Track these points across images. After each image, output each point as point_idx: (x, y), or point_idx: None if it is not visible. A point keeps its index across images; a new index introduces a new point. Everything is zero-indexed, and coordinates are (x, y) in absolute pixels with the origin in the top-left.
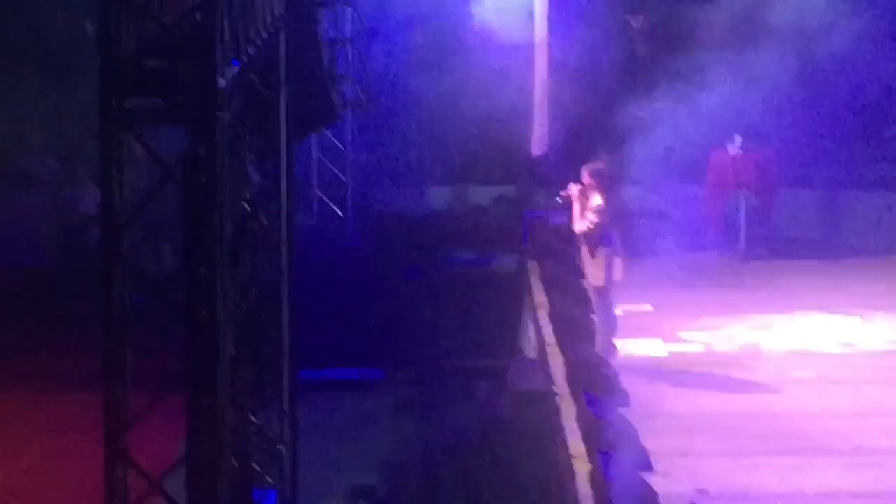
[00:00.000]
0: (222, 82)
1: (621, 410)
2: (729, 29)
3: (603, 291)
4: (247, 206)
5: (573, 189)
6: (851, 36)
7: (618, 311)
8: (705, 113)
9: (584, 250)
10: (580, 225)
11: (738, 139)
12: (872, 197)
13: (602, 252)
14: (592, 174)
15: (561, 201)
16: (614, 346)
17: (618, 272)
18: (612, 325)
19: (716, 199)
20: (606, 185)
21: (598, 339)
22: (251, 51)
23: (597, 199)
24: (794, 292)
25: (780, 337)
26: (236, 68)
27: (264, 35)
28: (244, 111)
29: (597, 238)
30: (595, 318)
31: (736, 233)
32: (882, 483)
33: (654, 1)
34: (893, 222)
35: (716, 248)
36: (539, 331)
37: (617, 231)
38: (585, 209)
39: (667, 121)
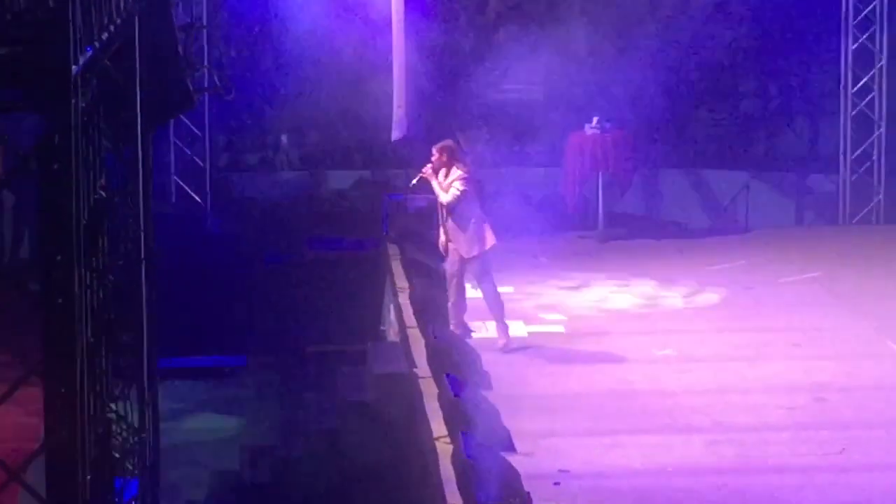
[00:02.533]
0: (76, 69)
1: (483, 392)
2: (585, 11)
3: (480, 260)
4: (103, 193)
5: (426, 169)
6: (704, 16)
7: (478, 293)
8: (563, 94)
9: (450, 223)
10: (445, 197)
11: (594, 120)
12: (730, 176)
13: (471, 221)
14: (441, 150)
15: (415, 183)
16: (468, 326)
17: (490, 237)
18: (497, 300)
19: (574, 180)
20: (460, 157)
21: (493, 316)
22: (105, 37)
23: (457, 171)
24: (651, 271)
25: (640, 317)
26: (90, 54)
27: (118, 21)
28: (99, 98)
29: (463, 208)
30: (454, 294)
31: (594, 213)
32: (742, 459)
33: None
34: (750, 201)
35: (574, 228)
36: (400, 314)
37: (476, 200)
38: (446, 183)
39: (525, 103)
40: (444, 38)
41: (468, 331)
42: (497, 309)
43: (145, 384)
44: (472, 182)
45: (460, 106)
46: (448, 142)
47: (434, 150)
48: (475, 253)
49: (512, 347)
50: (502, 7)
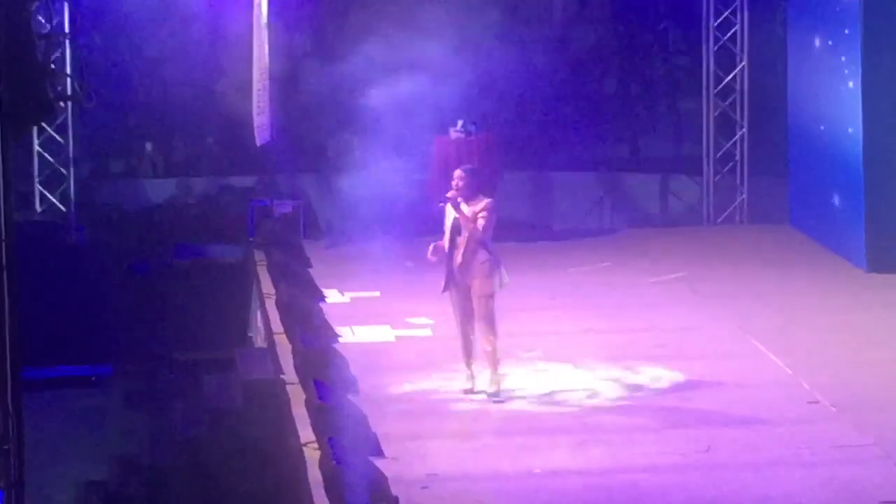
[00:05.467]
0: None
1: (350, 396)
2: (449, 12)
3: (491, 299)
4: None
5: (453, 194)
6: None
7: (345, 298)
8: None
9: (468, 254)
10: (470, 227)
11: (459, 123)
12: (595, 177)
13: (486, 255)
14: (470, 174)
15: (441, 205)
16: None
17: (506, 276)
18: (496, 342)
19: (440, 184)
20: (484, 186)
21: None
22: None
23: (483, 200)
24: (516, 274)
25: (506, 319)
26: None
27: None
28: None
29: (487, 241)
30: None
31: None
32: (609, 460)
33: None
34: (615, 202)
35: (440, 232)
36: (267, 320)
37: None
38: (475, 212)
39: (395, 106)
40: (307, 43)
41: (472, 372)
42: (495, 353)
43: (8, 395)
44: (496, 214)
45: (327, 110)
46: (474, 166)
47: (461, 173)
48: (490, 291)
49: (499, 399)
50: (365, 12)
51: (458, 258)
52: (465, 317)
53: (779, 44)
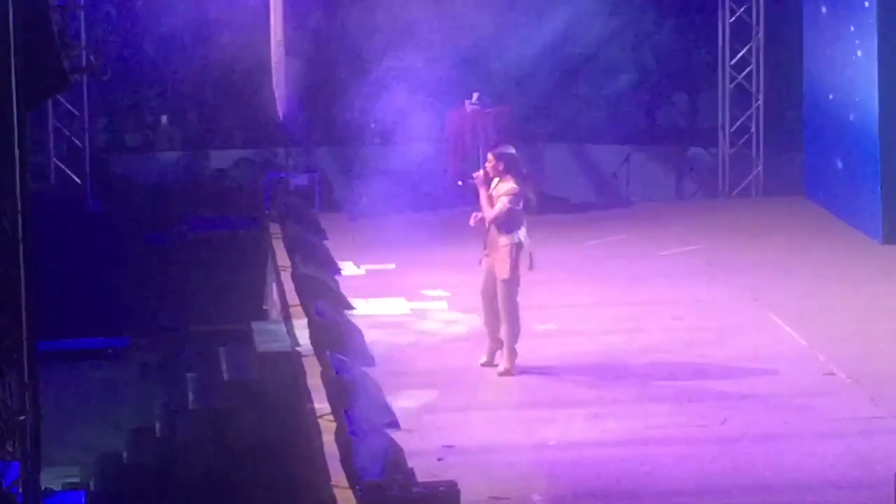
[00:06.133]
0: None
1: (365, 369)
2: None
3: (510, 284)
4: None
5: (478, 175)
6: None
7: (361, 270)
8: (442, 71)
9: (491, 237)
10: (490, 212)
11: (475, 96)
12: (611, 150)
13: (508, 239)
14: (499, 157)
15: (461, 184)
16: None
17: (524, 264)
18: (513, 327)
19: (454, 157)
20: (517, 167)
21: (505, 341)
22: None
23: (509, 184)
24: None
25: (521, 291)
26: None
27: None
28: None
29: (507, 226)
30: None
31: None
32: (623, 431)
33: None
34: (631, 175)
35: (455, 205)
36: (282, 293)
37: (524, 219)
38: (492, 196)
39: (403, 80)
40: (325, 17)
41: (500, 345)
42: (511, 335)
43: (25, 367)
44: (523, 198)
45: (346, 84)
46: (508, 148)
47: (489, 156)
48: (505, 276)
49: (511, 375)
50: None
51: (485, 237)
52: (487, 293)
53: (794, 15)
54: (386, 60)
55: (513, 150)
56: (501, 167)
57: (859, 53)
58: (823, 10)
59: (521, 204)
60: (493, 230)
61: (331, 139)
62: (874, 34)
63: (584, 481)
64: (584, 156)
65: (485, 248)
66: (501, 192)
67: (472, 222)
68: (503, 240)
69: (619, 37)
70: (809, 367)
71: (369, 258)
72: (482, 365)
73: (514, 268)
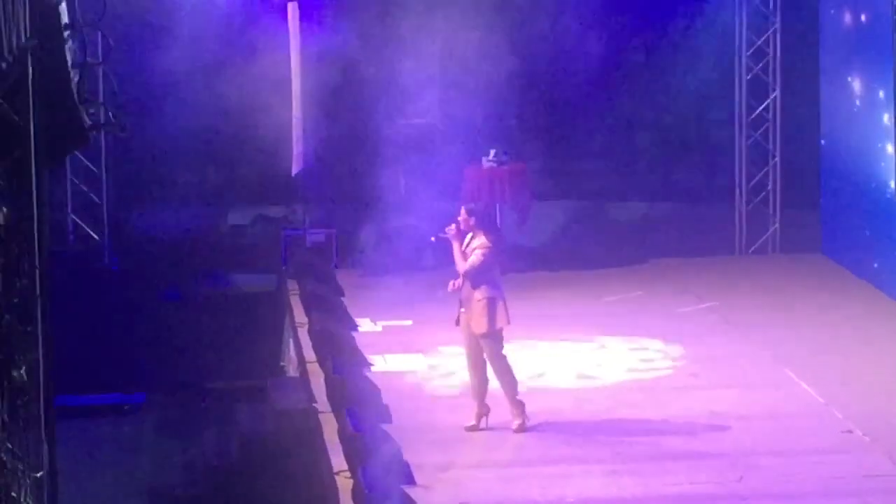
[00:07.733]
0: None
1: (383, 425)
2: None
3: (490, 338)
4: None
5: (450, 229)
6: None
7: (377, 327)
8: (463, 128)
9: (465, 293)
10: (462, 265)
11: (491, 152)
12: (627, 207)
13: (483, 293)
14: (470, 212)
15: (434, 240)
16: (487, 406)
17: (502, 317)
18: (508, 378)
19: None
20: (489, 223)
21: (506, 395)
22: None
23: (481, 239)
24: (549, 304)
25: (537, 347)
26: None
27: (10, 58)
28: None
29: (480, 280)
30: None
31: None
32: (640, 488)
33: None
34: (647, 232)
35: None
36: (299, 349)
37: (498, 273)
38: (465, 250)
39: (425, 137)
40: (343, 73)
41: (487, 411)
42: (509, 388)
43: (42, 423)
44: (496, 254)
45: (362, 140)
46: (479, 204)
47: (462, 211)
48: (483, 330)
49: (528, 426)
50: (399, 39)
51: (462, 294)
52: (471, 352)
53: (812, 73)
54: (404, 118)
55: (481, 206)
56: (473, 222)
57: (886, 118)
58: (849, 73)
59: (491, 259)
60: (468, 286)
61: (348, 196)
62: (892, 97)
63: None
64: (600, 212)
65: (461, 306)
66: (475, 247)
67: (450, 289)
68: (477, 294)
69: (635, 94)
70: (827, 424)
71: (386, 315)
72: (467, 429)
73: (492, 321)
